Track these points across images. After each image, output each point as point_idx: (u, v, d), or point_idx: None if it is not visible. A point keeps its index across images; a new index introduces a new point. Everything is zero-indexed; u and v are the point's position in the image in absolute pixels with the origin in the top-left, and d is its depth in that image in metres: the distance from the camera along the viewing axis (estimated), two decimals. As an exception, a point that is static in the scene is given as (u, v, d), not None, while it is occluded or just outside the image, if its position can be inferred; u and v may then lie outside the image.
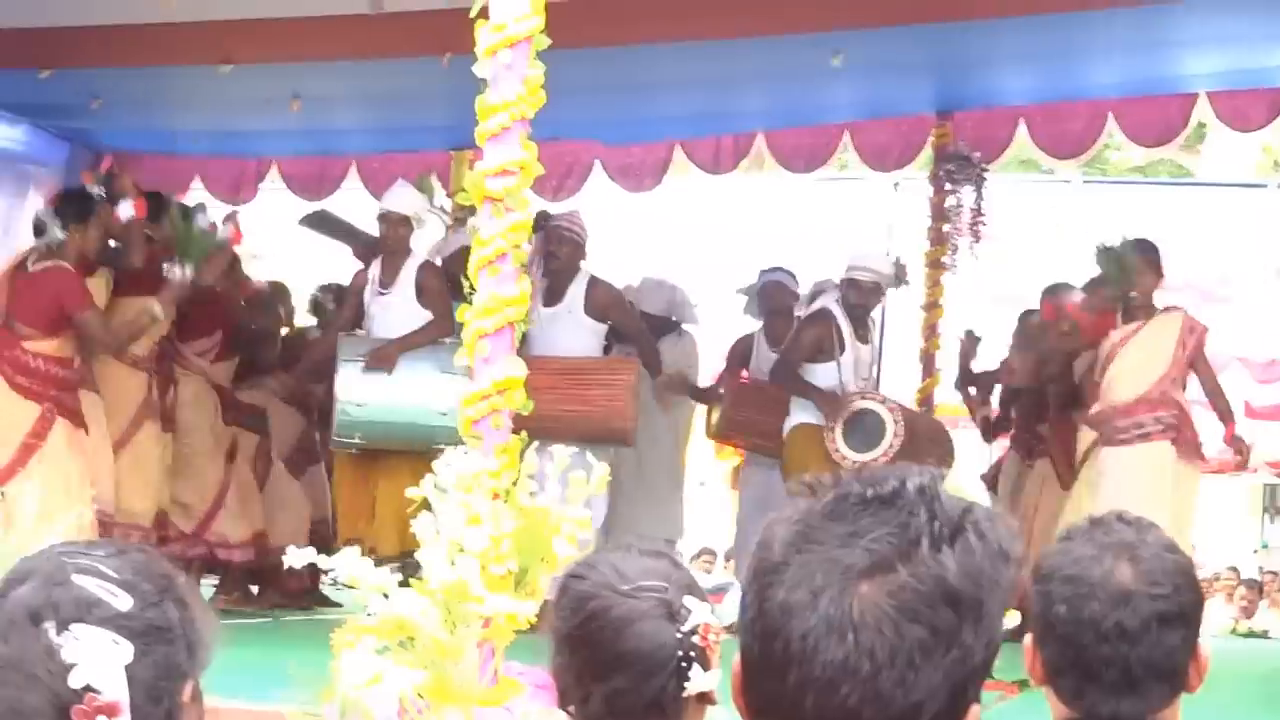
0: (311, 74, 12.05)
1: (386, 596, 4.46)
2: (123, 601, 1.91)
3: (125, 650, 1.87)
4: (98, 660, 1.85)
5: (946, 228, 12.40)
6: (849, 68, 11.11)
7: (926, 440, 10.70)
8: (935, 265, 12.54)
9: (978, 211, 12.34)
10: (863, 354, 10.70)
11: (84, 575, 1.92)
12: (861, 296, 10.69)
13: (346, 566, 4.47)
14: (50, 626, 1.87)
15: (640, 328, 10.88)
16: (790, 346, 10.85)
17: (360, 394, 9.70)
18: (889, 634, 1.56)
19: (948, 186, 12.45)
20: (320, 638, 4.63)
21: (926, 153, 12.93)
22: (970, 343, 12.04)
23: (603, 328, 10.48)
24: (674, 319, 11.93)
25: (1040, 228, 18.05)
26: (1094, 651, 2.81)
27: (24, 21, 11.06)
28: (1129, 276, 10.01)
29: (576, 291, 10.23)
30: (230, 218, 11.04)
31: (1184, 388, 9.93)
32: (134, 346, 10.17)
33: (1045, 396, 11.33)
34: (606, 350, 10.80)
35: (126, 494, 10.19)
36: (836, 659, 1.56)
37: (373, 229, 11.03)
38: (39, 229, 9.83)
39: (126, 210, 9.94)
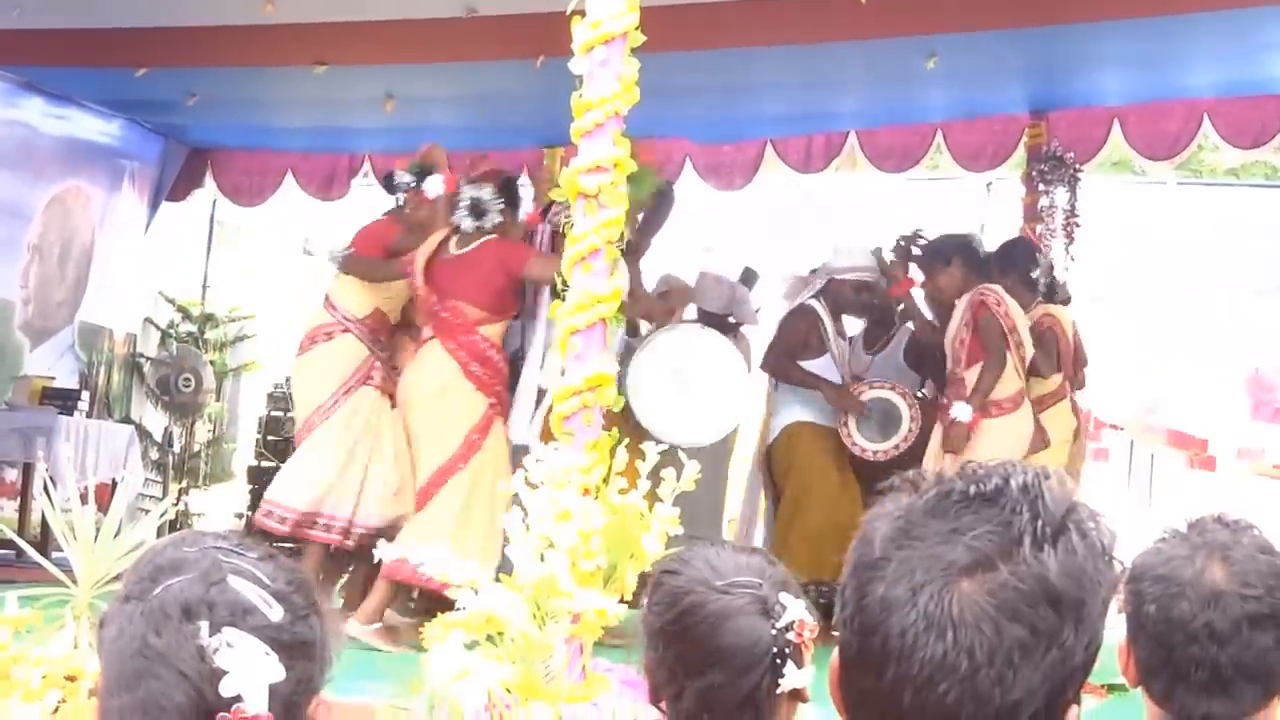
0: (405, 75, 12.12)
1: (476, 592, 4.46)
2: (275, 612, 1.93)
3: (276, 667, 1.89)
4: (250, 672, 1.87)
5: (1040, 229, 12.31)
6: (943, 70, 11.07)
7: None
8: (1028, 266, 12.48)
9: (1071, 212, 12.25)
10: (844, 349, 10.61)
11: (240, 579, 1.94)
12: (853, 293, 10.59)
13: (436, 561, 4.48)
14: (204, 626, 1.88)
15: None
16: (775, 340, 10.71)
17: None
18: (988, 632, 1.55)
19: (1041, 187, 12.37)
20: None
21: (1020, 153, 12.83)
22: None
23: None
24: (732, 319, 11.64)
25: (1134, 229, 17.94)
26: (1183, 652, 2.78)
27: (121, 22, 11.18)
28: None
29: None
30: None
31: (964, 364, 9.63)
32: None
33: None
34: None
35: None
36: (935, 656, 1.55)
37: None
38: (478, 210, 9.24)
39: (435, 186, 9.43)
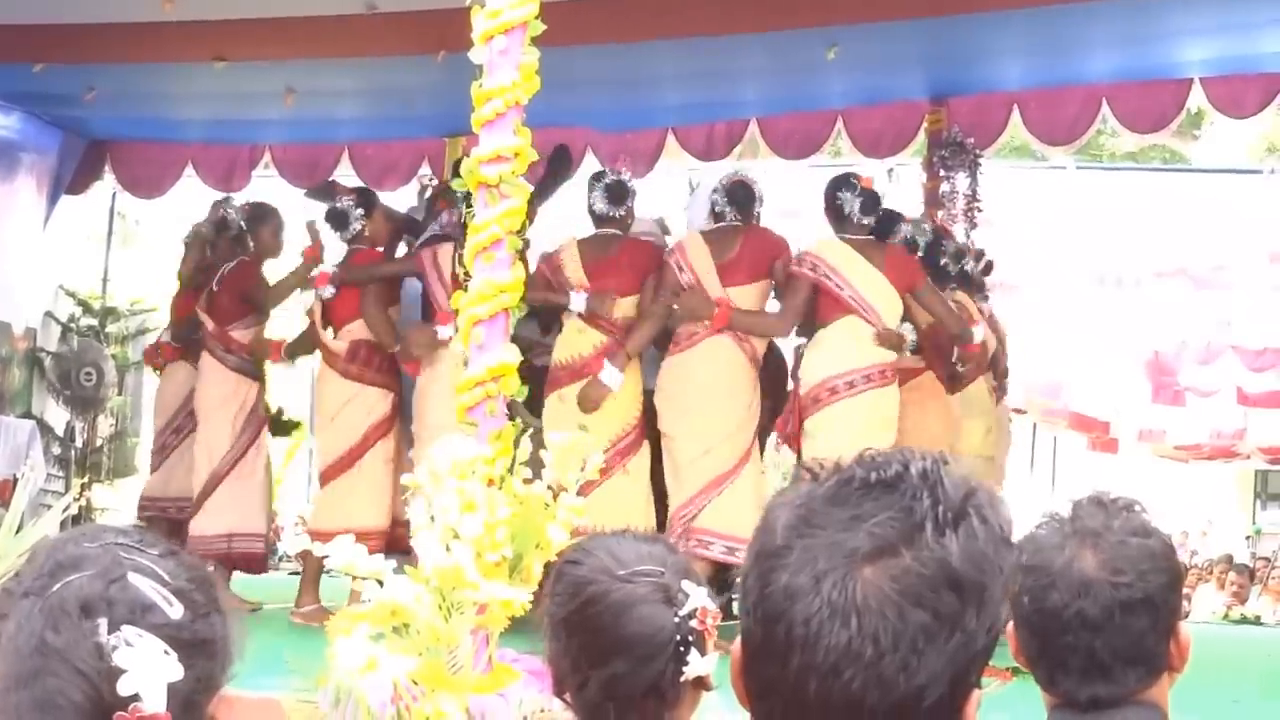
0: (305, 70, 12.06)
1: (381, 584, 4.44)
2: (175, 610, 1.90)
3: (174, 666, 1.86)
4: (148, 671, 1.84)
5: (941, 214, 12.37)
6: (844, 58, 11.11)
7: None
8: (930, 252, 12.52)
9: (972, 197, 12.32)
10: None
11: (140, 575, 1.91)
12: None
13: (342, 554, 4.45)
14: (102, 624, 1.85)
15: None
16: None
17: None
18: (892, 618, 1.55)
19: (942, 173, 12.43)
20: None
21: (920, 139, 12.90)
22: None
23: None
24: None
25: (1035, 214, 18.06)
26: (1059, 641, 2.81)
27: (18, 18, 11.07)
28: None
29: None
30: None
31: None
32: None
33: None
34: None
35: None
36: (840, 643, 1.55)
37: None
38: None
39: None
